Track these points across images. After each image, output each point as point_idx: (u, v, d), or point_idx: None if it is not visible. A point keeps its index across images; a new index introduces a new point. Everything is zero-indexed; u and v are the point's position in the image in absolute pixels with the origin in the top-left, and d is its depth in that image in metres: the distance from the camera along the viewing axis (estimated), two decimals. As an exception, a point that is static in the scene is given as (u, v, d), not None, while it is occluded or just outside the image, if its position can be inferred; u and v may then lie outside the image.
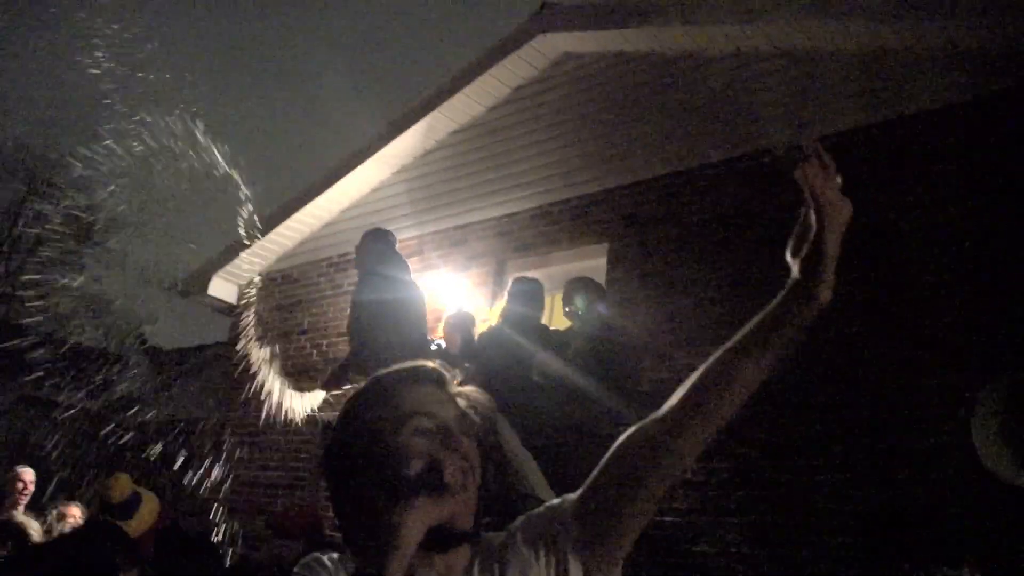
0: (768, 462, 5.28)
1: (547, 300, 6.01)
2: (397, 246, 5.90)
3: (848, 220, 1.32)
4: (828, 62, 5.90)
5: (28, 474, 6.83)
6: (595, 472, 1.42)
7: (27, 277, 37.10)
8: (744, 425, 5.39)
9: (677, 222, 6.29)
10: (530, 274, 6.06)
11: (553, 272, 6.90)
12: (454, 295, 7.34)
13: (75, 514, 5.77)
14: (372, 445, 1.36)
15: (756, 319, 1.37)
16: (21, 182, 37.67)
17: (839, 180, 1.31)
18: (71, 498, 7.02)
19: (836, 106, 5.75)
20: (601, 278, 6.29)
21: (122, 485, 5.44)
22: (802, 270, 1.34)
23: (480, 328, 5.98)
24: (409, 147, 8.40)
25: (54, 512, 6.32)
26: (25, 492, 6.70)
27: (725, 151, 6.19)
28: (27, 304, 37.02)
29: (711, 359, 1.38)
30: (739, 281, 5.76)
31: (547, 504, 1.50)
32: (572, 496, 1.47)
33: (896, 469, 4.75)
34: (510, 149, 7.64)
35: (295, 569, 1.46)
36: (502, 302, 5.74)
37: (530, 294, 5.59)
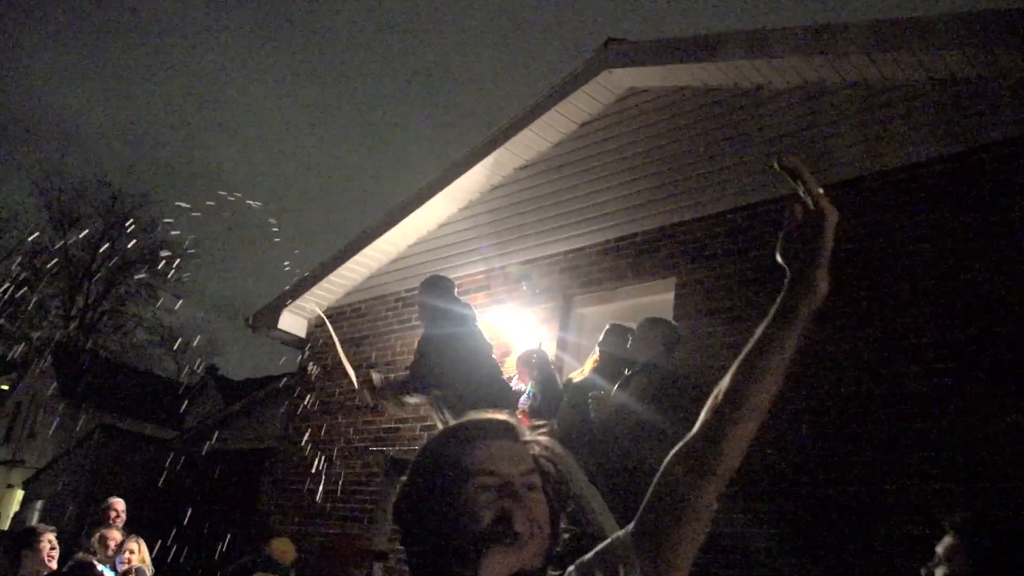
0: (843, 498, 5.16)
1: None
2: (456, 292, 5.91)
3: (836, 221, 1.40)
4: (899, 92, 5.81)
5: (119, 504, 7.11)
6: (645, 500, 1.43)
7: (105, 309, 38.37)
8: (811, 463, 5.30)
9: (744, 257, 6.22)
10: (599, 308, 6.04)
11: (620, 307, 6.88)
12: (520, 330, 7.35)
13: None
14: (441, 498, 1.39)
15: (765, 321, 1.42)
16: (102, 217, 39.09)
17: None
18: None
19: (907, 137, 5.66)
20: (668, 313, 6.25)
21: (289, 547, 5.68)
22: (802, 262, 1.41)
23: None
24: (476, 183, 8.47)
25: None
26: (118, 520, 7.01)
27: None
28: (105, 336, 38.22)
29: (733, 367, 1.42)
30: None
31: (602, 544, 1.49)
32: (625, 530, 1.47)
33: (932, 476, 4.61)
34: (576, 184, 7.65)
35: None
36: (594, 354, 5.76)
37: (621, 340, 5.64)
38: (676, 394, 5.07)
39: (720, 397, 1.41)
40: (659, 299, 6.67)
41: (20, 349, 34.49)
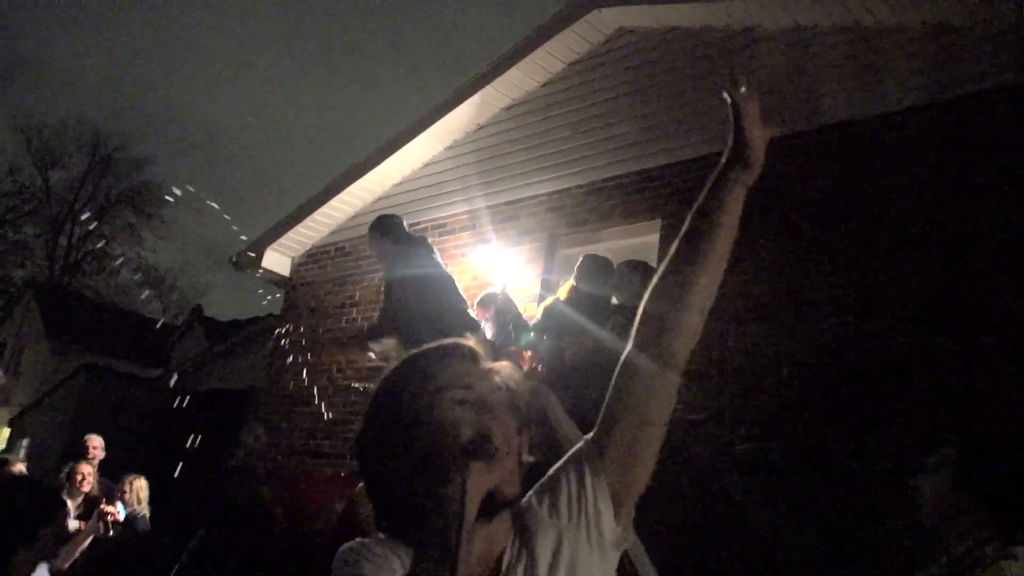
0: (824, 444, 5.21)
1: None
2: (406, 228, 5.86)
3: (757, 110, 1.58)
4: (890, 38, 5.76)
5: (95, 440, 7.09)
6: (605, 403, 1.47)
7: (88, 249, 38.13)
8: (793, 405, 5.34)
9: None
10: (584, 249, 5.99)
11: (604, 249, 6.85)
12: (505, 270, 7.33)
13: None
14: (411, 422, 1.37)
15: (700, 196, 1.56)
16: (84, 157, 38.71)
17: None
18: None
19: (898, 83, 5.61)
20: (653, 255, 6.23)
21: None
22: (734, 142, 1.58)
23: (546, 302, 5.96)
24: (462, 122, 8.39)
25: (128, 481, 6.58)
26: (94, 457, 7.00)
27: (782, 128, 6.06)
28: (89, 276, 38.03)
29: (673, 250, 1.54)
30: (795, 258, 5.67)
31: (566, 456, 1.52)
32: (586, 438, 1.51)
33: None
34: (563, 124, 7.59)
35: (339, 554, 1.45)
36: (569, 281, 5.71)
37: (599, 273, 5.57)
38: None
39: (667, 285, 1.48)
40: (644, 241, 6.66)
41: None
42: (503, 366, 1.50)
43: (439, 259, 5.67)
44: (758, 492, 5.36)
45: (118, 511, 5.42)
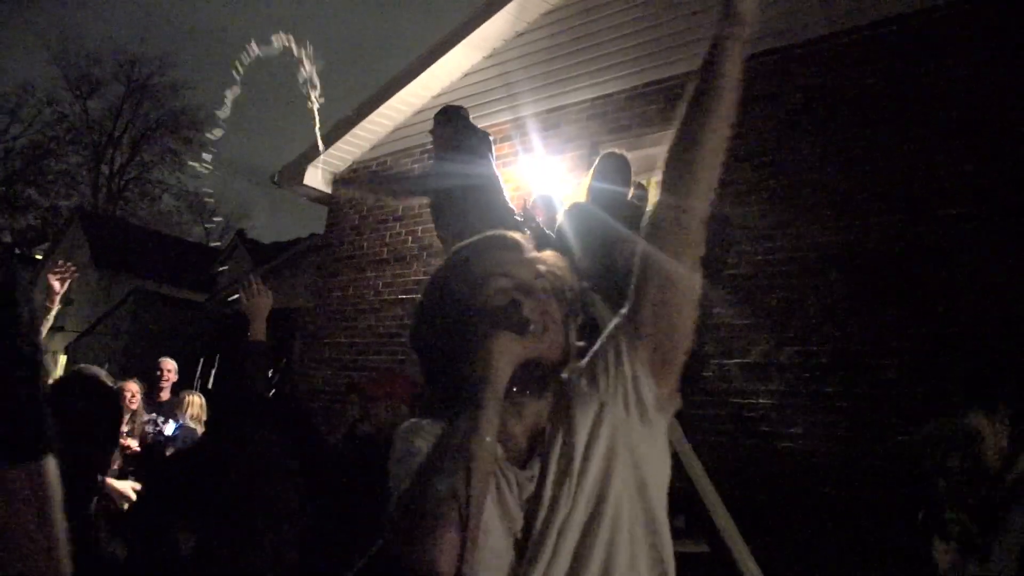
0: (865, 347, 5.18)
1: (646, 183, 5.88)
2: (467, 121, 5.71)
3: None
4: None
5: (169, 363, 7.20)
6: (634, 277, 1.45)
7: (130, 176, 38.49)
8: (841, 310, 5.30)
9: (777, 100, 6.06)
10: (621, 153, 5.87)
11: (646, 155, 6.77)
12: (547, 179, 7.28)
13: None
14: (457, 311, 1.41)
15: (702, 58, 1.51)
16: (120, 83, 38.82)
17: None
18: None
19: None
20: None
21: None
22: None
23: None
24: (500, 30, 8.25)
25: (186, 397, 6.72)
26: (167, 380, 7.11)
27: (828, 25, 5.91)
28: (133, 203, 38.45)
29: (682, 111, 1.49)
30: (841, 160, 5.57)
31: (604, 335, 1.50)
32: (620, 314, 1.49)
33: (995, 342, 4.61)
34: (603, 29, 7.43)
35: (397, 432, 1.49)
36: (587, 178, 5.60)
37: (617, 169, 5.44)
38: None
39: (679, 147, 1.45)
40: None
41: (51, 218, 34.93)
42: (548, 255, 1.52)
43: (492, 163, 5.56)
44: (799, 395, 5.37)
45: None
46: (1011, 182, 4.84)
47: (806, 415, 5.29)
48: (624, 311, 1.48)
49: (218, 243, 34.46)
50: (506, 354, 1.28)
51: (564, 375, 1.47)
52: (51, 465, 1.15)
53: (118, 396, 3.50)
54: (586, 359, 1.50)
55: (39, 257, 31.33)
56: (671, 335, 1.44)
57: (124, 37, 64.14)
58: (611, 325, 1.50)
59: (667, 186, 1.45)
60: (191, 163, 38.42)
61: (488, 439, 1.23)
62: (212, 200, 42.06)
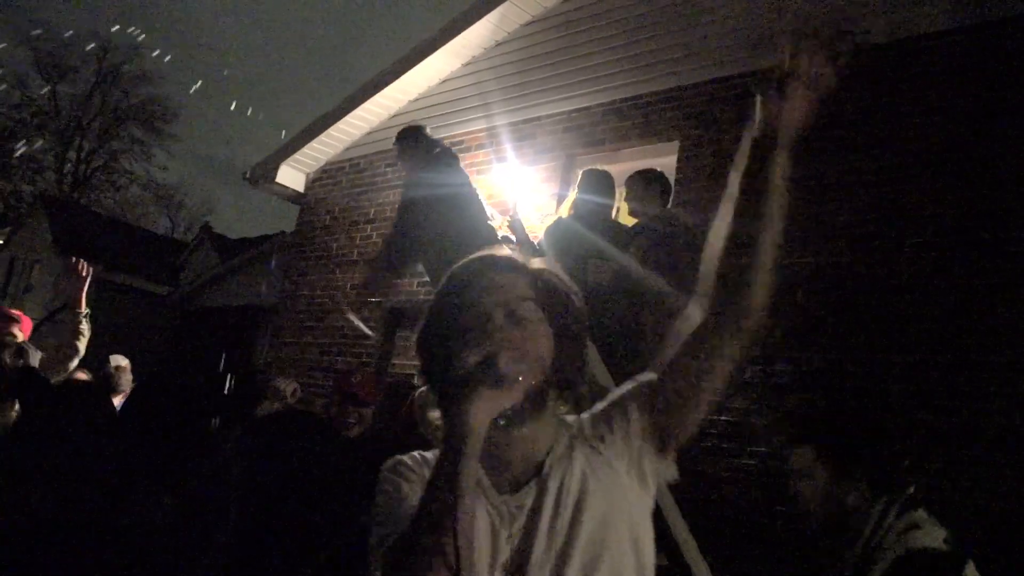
0: (827, 366, 5.26)
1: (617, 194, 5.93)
2: (431, 138, 5.71)
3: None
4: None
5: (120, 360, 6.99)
6: (673, 355, 1.48)
7: (98, 164, 38.04)
8: (804, 331, 5.37)
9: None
10: (604, 169, 5.92)
11: (621, 169, 6.83)
12: (521, 189, 7.32)
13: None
14: (444, 336, 1.46)
15: (744, 159, 1.50)
16: (92, 69, 38.35)
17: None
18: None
19: (930, 7, 5.51)
20: (671, 177, 6.21)
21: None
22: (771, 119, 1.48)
23: (547, 222, 5.95)
24: (480, 38, 8.28)
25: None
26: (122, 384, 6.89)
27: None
28: (99, 192, 38.00)
29: (728, 217, 1.49)
30: (813, 185, 5.65)
31: (623, 390, 1.55)
32: (647, 378, 1.53)
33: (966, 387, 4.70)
34: (583, 43, 7.49)
35: (383, 469, 1.52)
36: (572, 194, 5.70)
37: (601, 186, 5.51)
38: (677, 254, 5.06)
39: (729, 248, 1.46)
40: (661, 162, 6.62)
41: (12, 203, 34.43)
42: (539, 263, 1.55)
43: (464, 172, 5.57)
44: (761, 414, 5.43)
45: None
46: (978, 216, 4.93)
47: (766, 433, 5.35)
48: (647, 378, 1.52)
49: (184, 236, 34.18)
50: (482, 411, 1.28)
51: (570, 417, 1.53)
52: None
53: None
54: (602, 407, 1.55)
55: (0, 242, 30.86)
56: (684, 421, 1.49)
57: (98, 22, 63.26)
58: (636, 382, 1.54)
59: (726, 289, 1.47)
60: (160, 153, 38.10)
61: (469, 490, 1.24)
62: (179, 192, 41.66)
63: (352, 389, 4.09)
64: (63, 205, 30.54)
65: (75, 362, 4.52)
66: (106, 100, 38.40)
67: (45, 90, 36.99)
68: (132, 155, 38.64)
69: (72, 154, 37.91)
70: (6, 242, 29.72)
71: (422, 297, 7.50)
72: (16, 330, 4.69)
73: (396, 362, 6.78)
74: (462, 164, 5.62)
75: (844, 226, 5.43)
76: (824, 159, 5.64)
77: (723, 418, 5.58)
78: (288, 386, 5.45)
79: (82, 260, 4.51)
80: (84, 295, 4.47)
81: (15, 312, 5.00)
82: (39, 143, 37.33)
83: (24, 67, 37.60)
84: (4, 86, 36.17)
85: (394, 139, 5.75)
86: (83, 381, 3.37)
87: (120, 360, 6.78)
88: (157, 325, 18.34)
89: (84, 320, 4.46)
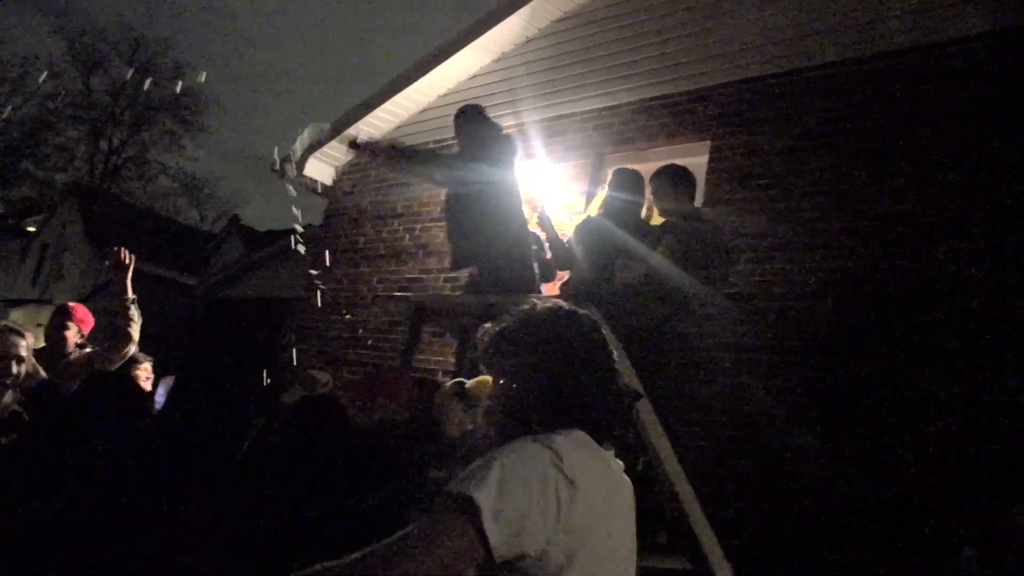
0: (854, 375, 5.19)
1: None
2: (492, 121, 5.71)
3: None
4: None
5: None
6: None
7: (128, 155, 38.39)
8: (833, 335, 5.31)
9: (785, 123, 6.08)
10: (634, 168, 5.88)
11: (651, 168, 6.77)
12: (550, 186, 7.28)
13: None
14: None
15: None
16: (124, 61, 38.69)
17: None
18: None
19: (960, 10, 5.43)
20: (701, 177, 6.15)
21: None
22: None
23: (577, 219, 5.92)
24: (511, 34, 8.25)
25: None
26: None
27: (841, 51, 5.92)
28: (129, 182, 38.33)
29: None
30: (845, 188, 5.59)
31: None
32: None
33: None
34: (615, 40, 7.44)
35: (549, 462, 1.58)
36: (602, 192, 5.67)
37: (630, 185, 5.50)
38: (705, 253, 5.02)
39: None
40: (692, 162, 6.55)
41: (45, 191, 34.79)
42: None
43: (517, 161, 5.50)
44: (790, 419, 5.37)
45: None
46: (1011, 220, 4.86)
47: (795, 437, 5.29)
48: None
49: (212, 227, 34.41)
50: None
51: None
52: None
53: None
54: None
55: (31, 229, 31.19)
56: None
57: (130, 14, 63.71)
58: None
59: None
60: (190, 144, 38.41)
61: None
62: (208, 184, 41.95)
63: (380, 383, 4.09)
64: (94, 194, 30.85)
65: (131, 348, 4.71)
66: (138, 91, 38.75)
67: (80, 85, 37.38)
68: (162, 146, 38.98)
69: (104, 144, 38.29)
70: (39, 230, 30.06)
71: (447, 292, 7.48)
72: (74, 327, 4.91)
73: (420, 357, 6.79)
74: (518, 156, 5.56)
75: (874, 230, 5.36)
76: (857, 161, 5.58)
77: (754, 420, 5.53)
78: (322, 377, 5.46)
79: (123, 249, 4.67)
80: (129, 282, 4.65)
81: (75, 307, 5.16)
82: (71, 133, 37.76)
83: (58, 57, 38.02)
84: (42, 77, 36.64)
85: (453, 116, 5.70)
86: (118, 376, 3.41)
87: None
88: (184, 315, 18.44)
89: (132, 306, 4.65)
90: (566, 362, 1.77)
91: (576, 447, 1.65)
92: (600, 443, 1.76)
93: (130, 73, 38.17)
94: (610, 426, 1.80)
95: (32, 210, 34.83)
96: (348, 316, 8.99)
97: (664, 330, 5.08)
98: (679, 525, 3.72)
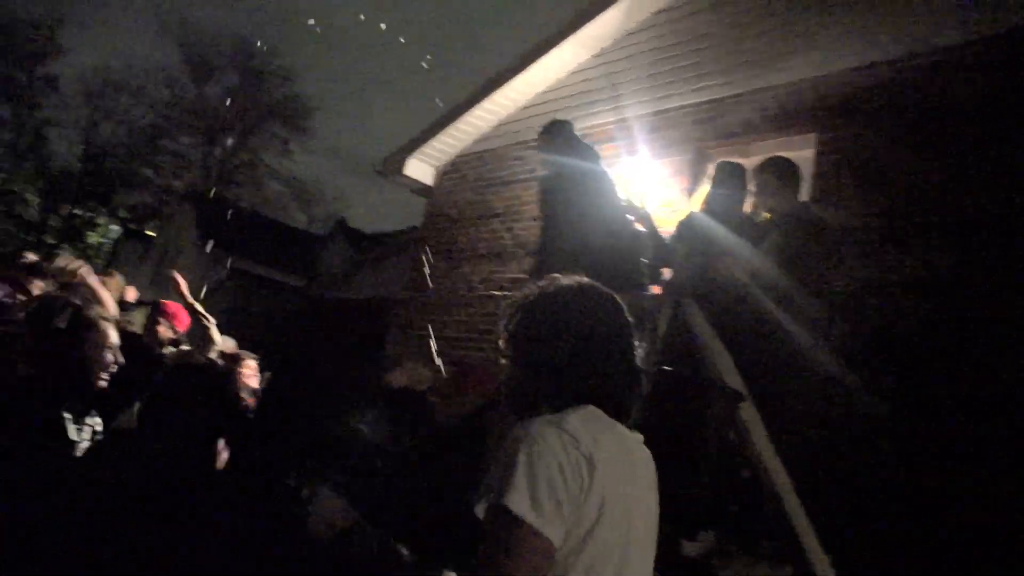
0: (965, 376, 4.92)
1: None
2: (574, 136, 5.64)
3: None
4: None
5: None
6: None
7: (240, 161, 39.61)
8: (944, 334, 5.05)
9: (895, 112, 5.81)
10: (737, 162, 5.69)
11: (755, 163, 6.59)
12: (650, 182, 7.14)
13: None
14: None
15: None
16: (236, 69, 39.94)
17: None
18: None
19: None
20: (807, 170, 5.93)
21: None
22: None
23: (679, 216, 5.77)
24: (610, 28, 8.14)
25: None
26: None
27: (954, 36, 5.63)
28: (241, 187, 39.57)
29: None
30: (960, 177, 5.30)
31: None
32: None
33: None
34: (715, 31, 7.26)
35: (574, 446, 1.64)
36: (705, 188, 5.51)
37: (734, 180, 5.31)
38: (811, 249, 4.82)
39: None
40: (798, 155, 6.32)
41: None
42: None
43: (606, 182, 5.45)
44: (896, 422, 5.13)
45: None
46: None
47: (901, 440, 5.05)
48: None
49: (320, 229, 35.18)
50: None
51: None
52: None
53: None
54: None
55: (151, 234, 32.42)
56: None
57: (240, 24, 65.73)
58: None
59: None
60: (299, 149, 39.44)
61: None
62: (315, 186, 42.92)
63: (469, 377, 4.07)
64: (208, 199, 31.86)
65: (215, 345, 5.37)
66: (248, 99, 39.93)
67: (194, 94, 38.79)
68: (272, 151, 40.06)
69: (217, 150, 39.58)
70: (157, 234, 31.25)
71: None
72: (165, 323, 5.50)
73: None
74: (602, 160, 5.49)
75: (991, 225, 5.07)
76: (973, 150, 5.29)
77: (856, 419, 5.30)
78: (425, 373, 5.46)
79: (175, 274, 5.58)
80: (188, 296, 5.45)
81: (167, 304, 5.63)
82: (187, 140, 39.19)
83: (174, 67, 39.48)
84: (160, 88, 38.21)
85: (539, 130, 5.64)
86: (198, 366, 3.57)
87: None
88: (293, 315, 18.86)
89: (200, 314, 5.38)
90: (581, 336, 1.81)
91: (587, 423, 1.69)
92: (620, 420, 1.80)
93: (239, 81, 39.40)
94: (624, 404, 1.83)
95: (151, 215, 36.27)
96: (449, 316, 9.00)
97: (770, 330, 4.90)
98: (783, 532, 3.57)
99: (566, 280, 1.93)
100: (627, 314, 1.92)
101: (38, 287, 4.38)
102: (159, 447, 2.64)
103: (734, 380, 4.06)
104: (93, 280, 4.51)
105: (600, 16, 8.00)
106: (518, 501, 1.53)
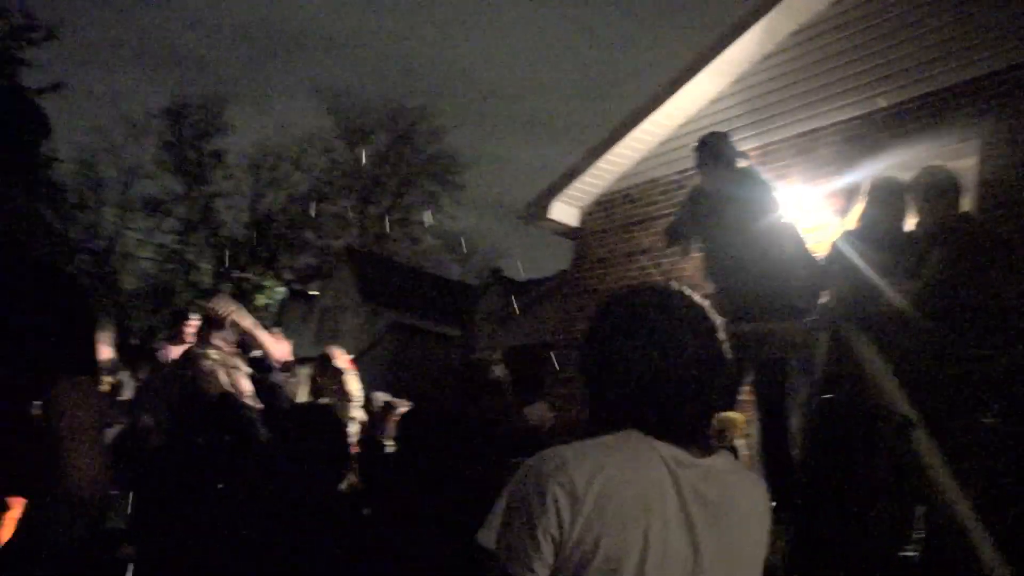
0: None
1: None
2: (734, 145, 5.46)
3: None
4: None
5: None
6: None
7: (395, 218, 40.95)
8: None
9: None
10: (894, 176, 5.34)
11: (911, 176, 6.25)
12: (802, 206, 6.87)
13: None
14: None
15: None
16: (386, 131, 41.47)
17: None
18: None
19: None
20: (969, 179, 5.57)
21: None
22: None
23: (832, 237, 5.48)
24: (747, 53, 7.97)
25: None
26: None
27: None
28: (396, 243, 40.88)
29: None
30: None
31: None
32: None
33: None
34: (858, 44, 7.00)
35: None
36: (859, 206, 5.16)
37: (889, 195, 4.94)
38: (980, 264, 4.46)
39: None
40: (959, 164, 5.95)
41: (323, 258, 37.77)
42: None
43: (771, 188, 5.26)
44: None
45: None
46: None
47: None
48: None
49: (475, 279, 35.78)
50: None
51: None
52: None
53: None
54: None
55: (314, 293, 33.77)
56: None
57: (390, 87, 68.32)
58: None
59: None
60: (450, 203, 40.49)
61: None
62: (468, 237, 43.85)
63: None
64: (365, 256, 32.99)
65: (356, 401, 5.98)
66: (400, 158, 41.35)
67: (349, 158, 40.55)
68: (425, 207, 41.20)
69: (372, 209, 41.01)
70: (320, 293, 32.54)
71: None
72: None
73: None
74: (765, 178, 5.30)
75: None
76: None
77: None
78: (548, 415, 5.50)
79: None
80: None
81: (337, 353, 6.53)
82: (344, 201, 40.83)
83: (329, 133, 41.33)
84: (318, 154, 40.22)
85: (693, 147, 5.48)
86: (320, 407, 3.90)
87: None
88: (451, 365, 19.19)
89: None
90: (648, 348, 1.63)
91: (604, 452, 1.58)
92: (686, 444, 1.62)
93: (390, 142, 40.88)
94: (687, 426, 1.64)
95: (314, 275, 37.81)
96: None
97: (941, 353, 4.55)
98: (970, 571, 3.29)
99: (648, 288, 1.79)
100: (710, 335, 1.70)
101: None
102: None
103: (904, 407, 3.80)
104: (248, 323, 4.64)
105: (736, 42, 7.85)
106: (487, 535, 1.55)
